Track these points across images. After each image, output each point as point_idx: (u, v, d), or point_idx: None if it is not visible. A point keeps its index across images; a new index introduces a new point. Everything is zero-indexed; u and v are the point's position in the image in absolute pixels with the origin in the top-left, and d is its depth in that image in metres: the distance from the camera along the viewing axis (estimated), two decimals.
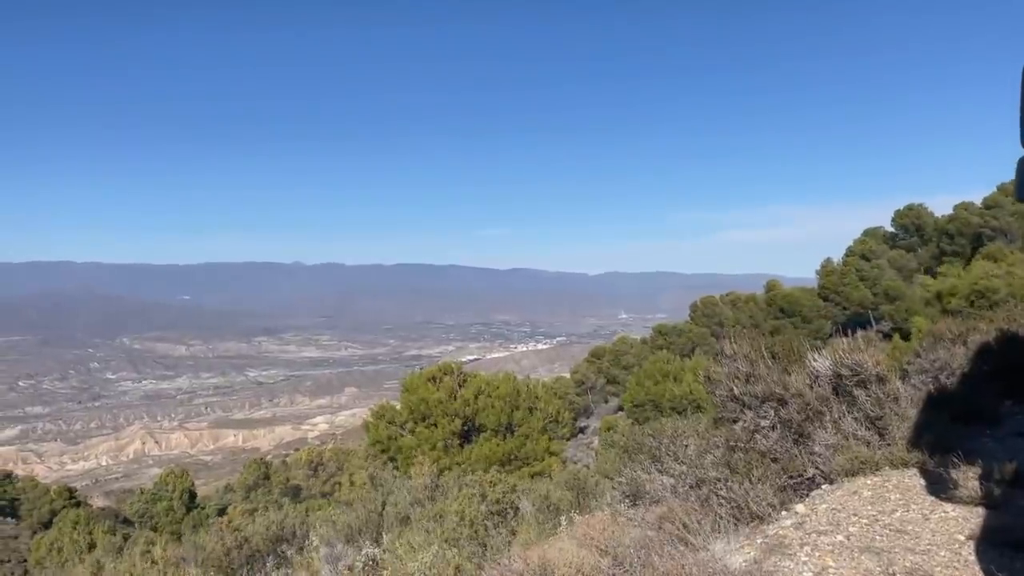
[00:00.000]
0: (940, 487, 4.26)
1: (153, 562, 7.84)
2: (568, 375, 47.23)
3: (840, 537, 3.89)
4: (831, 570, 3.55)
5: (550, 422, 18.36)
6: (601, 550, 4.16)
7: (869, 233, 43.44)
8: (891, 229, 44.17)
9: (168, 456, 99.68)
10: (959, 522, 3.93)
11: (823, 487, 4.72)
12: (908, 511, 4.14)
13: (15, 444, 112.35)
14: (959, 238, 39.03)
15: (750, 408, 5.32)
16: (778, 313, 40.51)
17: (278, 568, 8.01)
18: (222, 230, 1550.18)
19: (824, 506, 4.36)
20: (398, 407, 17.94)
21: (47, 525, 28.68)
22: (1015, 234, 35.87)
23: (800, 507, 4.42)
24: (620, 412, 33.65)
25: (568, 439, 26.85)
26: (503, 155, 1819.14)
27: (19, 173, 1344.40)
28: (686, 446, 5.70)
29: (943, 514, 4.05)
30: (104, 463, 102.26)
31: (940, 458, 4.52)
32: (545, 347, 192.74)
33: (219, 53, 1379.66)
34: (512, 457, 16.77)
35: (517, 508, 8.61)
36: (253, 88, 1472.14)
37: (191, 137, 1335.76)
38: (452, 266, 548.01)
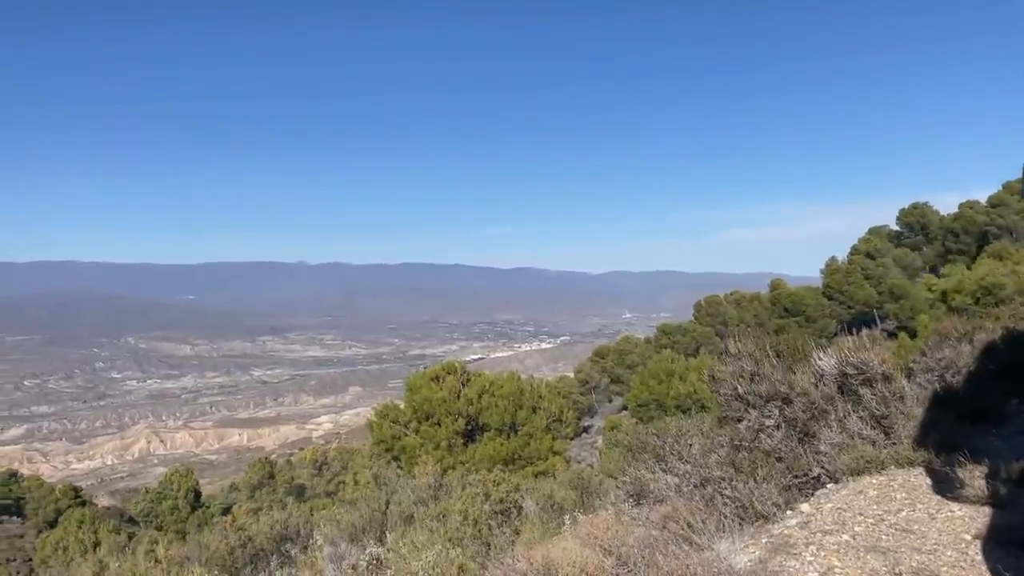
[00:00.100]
0: (946, 486, 4.24)
1: (157, 561, 7.85)
2: (572, 374, 47.32)
3: (846, 536, 3.88)
4: (837, 570, 3.54)
5: (554, 421, 18.32)
6: (605, 550, 4.14)
7: (874, 231, 43.39)
8: (896, 227, 44.13)
9: (173, 455, 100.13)
10: (965, 521, 3.91)
11: (828, 486, 4.70)
12: (914, 510, 4.12)
13: (20, 443, 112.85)
14: (964, 236, 38.96)
15: (755, 407, 5.30)
16: (782, 312, 40.46)
17: (282, 567, 8.00)
18: (225, 230, 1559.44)
19: (829, 505, 4.35)
20: (402, 406, 17.93)
21: (52, 524, 28.76)
22: (1021, 232, 35.79)
23: (805, 506, 4.40)
24: (624, 411, 33.66)
25: (572, 438, 26.86)
26: (504, 155, 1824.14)
27: (22, 173, 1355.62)
28: (690, 445, 5.68)
29: (949, 513, 4.03)
30: (109, 462, 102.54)
31: (946, 457, 4.51)
32: (549, 346, 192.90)
33: (219, 53, 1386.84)
34: (516, 456, 16.74)
35: (521, 507, 8.60)
36: (254, 88, 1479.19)
37: (193, 137, 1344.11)
38: (456, 265, 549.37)
